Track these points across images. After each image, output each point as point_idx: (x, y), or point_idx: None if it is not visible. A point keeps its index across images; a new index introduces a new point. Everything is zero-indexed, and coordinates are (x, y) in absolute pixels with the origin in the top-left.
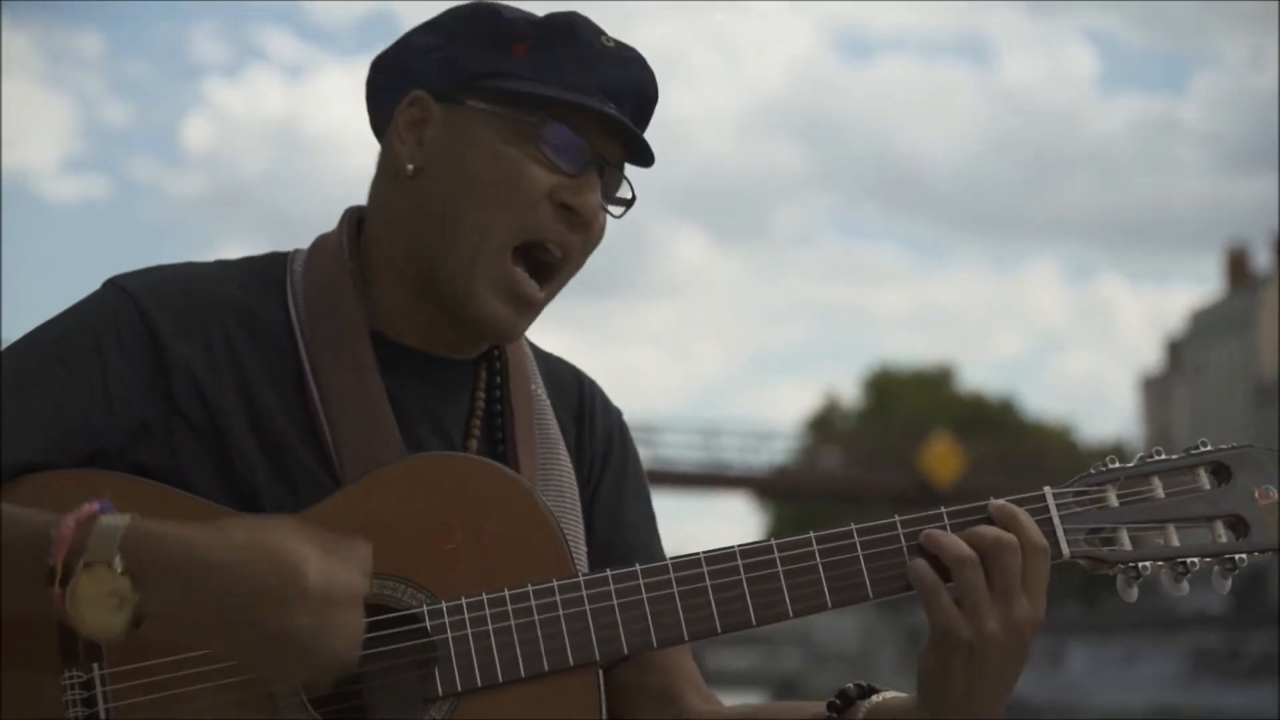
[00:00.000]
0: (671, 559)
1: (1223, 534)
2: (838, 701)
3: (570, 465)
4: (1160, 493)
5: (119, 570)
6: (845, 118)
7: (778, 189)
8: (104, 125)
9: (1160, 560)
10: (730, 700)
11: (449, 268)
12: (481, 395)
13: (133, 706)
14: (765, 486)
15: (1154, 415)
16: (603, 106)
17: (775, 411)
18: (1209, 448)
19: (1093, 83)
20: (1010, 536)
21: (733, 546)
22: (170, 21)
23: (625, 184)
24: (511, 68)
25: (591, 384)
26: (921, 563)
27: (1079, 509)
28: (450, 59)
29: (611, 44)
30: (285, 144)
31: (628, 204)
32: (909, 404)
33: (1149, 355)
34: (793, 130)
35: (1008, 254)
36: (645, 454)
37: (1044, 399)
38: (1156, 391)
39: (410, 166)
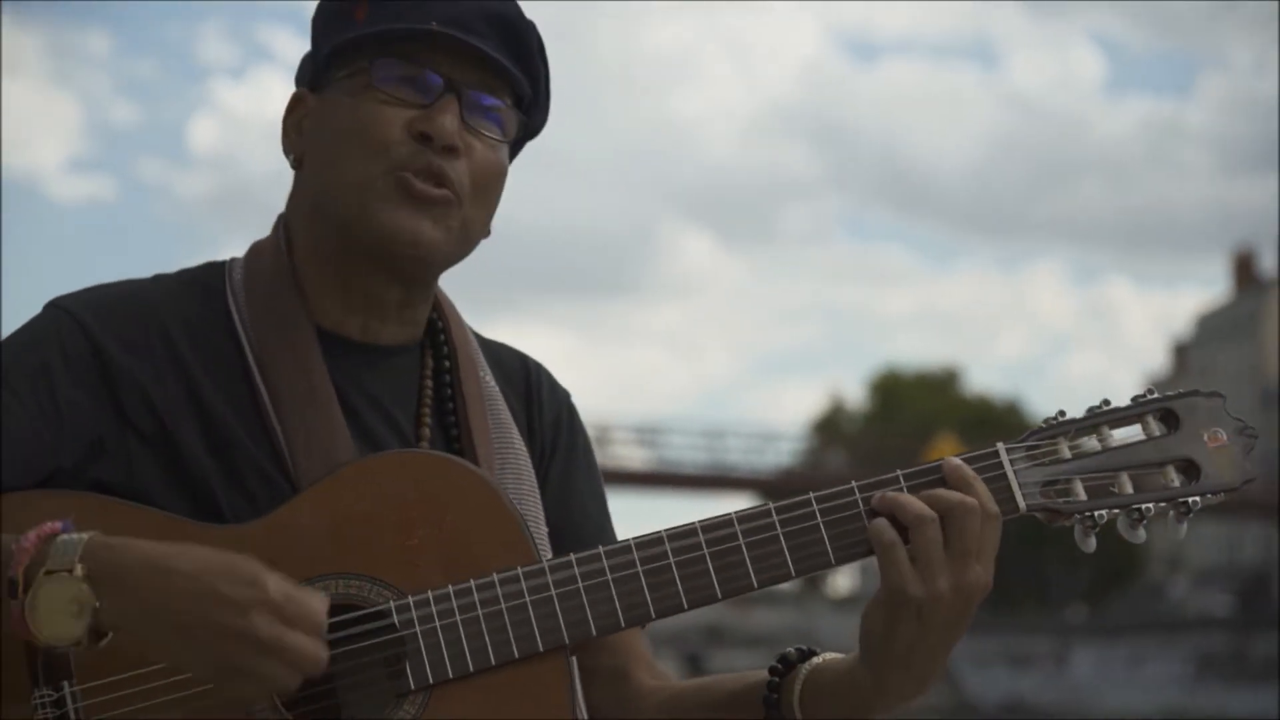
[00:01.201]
0: (634, 539)
1: (1175, 478)
2: (779, 666)
3: (525, 448)
4: (1112, 442)
5: (79, 576)
6: (853, 120)
7: (785, 190)
8: (111, 125)
9: (1116, 508)
10: None
11: (346, 219)
12: (430, 383)
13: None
14: (770, 488)
15: None
16: (423, 25)
17: (781, 413)
18: (1155, 395)
19: (1099, 85)
20: (972, 499)
21: (694, 523)
22: (177, 22)
23: (515, 113)
24: (357, 33)
25: (538, 366)
26: (881, 520)
27: (1032, 463)
28: (314, 51)
29: None
30: None
31: (525, 131)
32: (915, 406)
33: (1155, 358)
34: (800, 132)
35: (1014, 256)
36: (650, 455)
37: (1050, 401)
38: None
39: (292, 156)
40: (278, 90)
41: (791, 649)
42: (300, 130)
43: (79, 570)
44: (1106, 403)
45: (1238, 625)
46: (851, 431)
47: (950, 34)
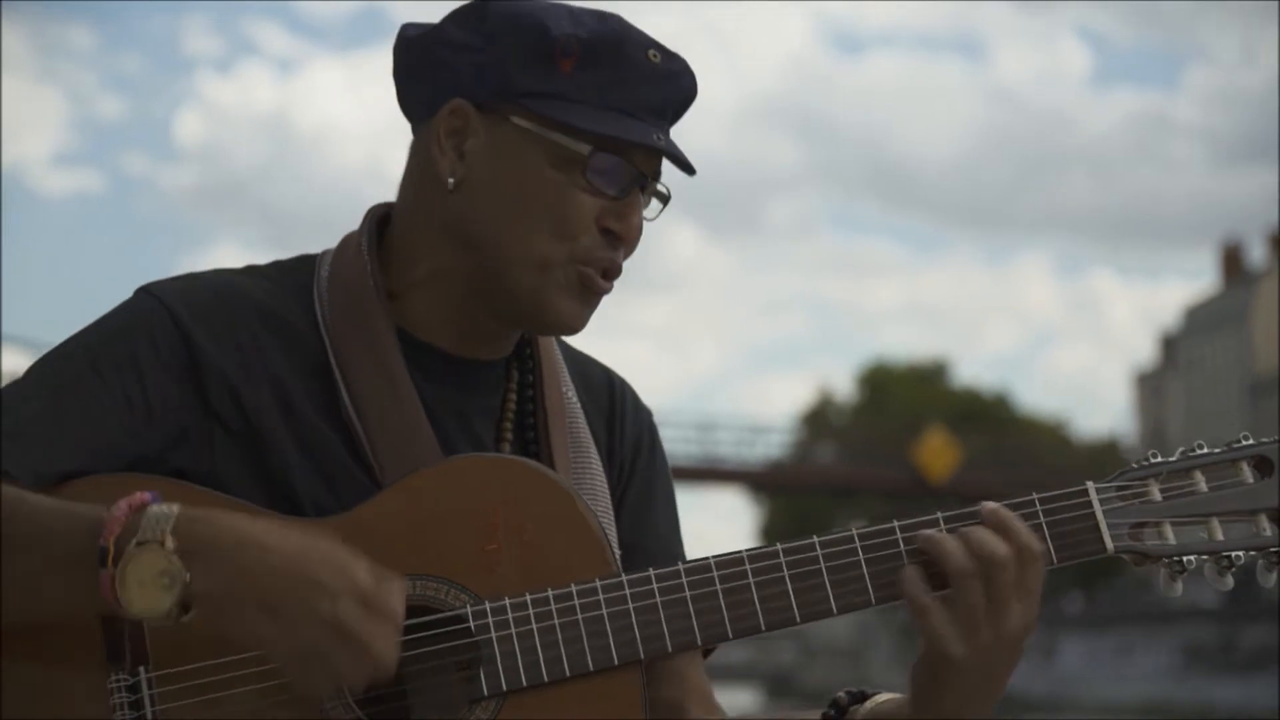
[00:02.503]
0: (714, 557)
1: (1266, 527)
2: (831, 712)
3: (602, 468)
4: (1203, 486)
5: (170, 549)
6: (839, 113)
7: (772, 183)
8: (97, 119)
9: (1205, 554)
10: (728, 699)
11: (519, 287)
12: (513, 397)
13: (180, 709)
14: (760, 481)
15: (1148, 410)
16: (653, 141)
17: (769, 406)
18: (1250, 441)
19: (1085, 79)
20: (1003, 550)
21: (776, 545)
22: (162, 16)
23: (661, 186)
24: (558, 87)
25: (623, 384)
26: (913, 577)
27: (1122, 503)
28: (492, 67)
29: (658, 58)
30: (277, 138)
31: (665, 200)
32: (903, 398)
33: (1142, 350)
34: (787, 125)
35: (1000, 248)
36: None
37: (1037, 394)
38: (1150, 386)
39: (451, 180)
40: (263, 84)
41: (843, 692)
42: (461, 153)
43: (170, 543)
44: (1200, 445)
45: (1225, 617)
46: (840, 424)
47: (936, 27)
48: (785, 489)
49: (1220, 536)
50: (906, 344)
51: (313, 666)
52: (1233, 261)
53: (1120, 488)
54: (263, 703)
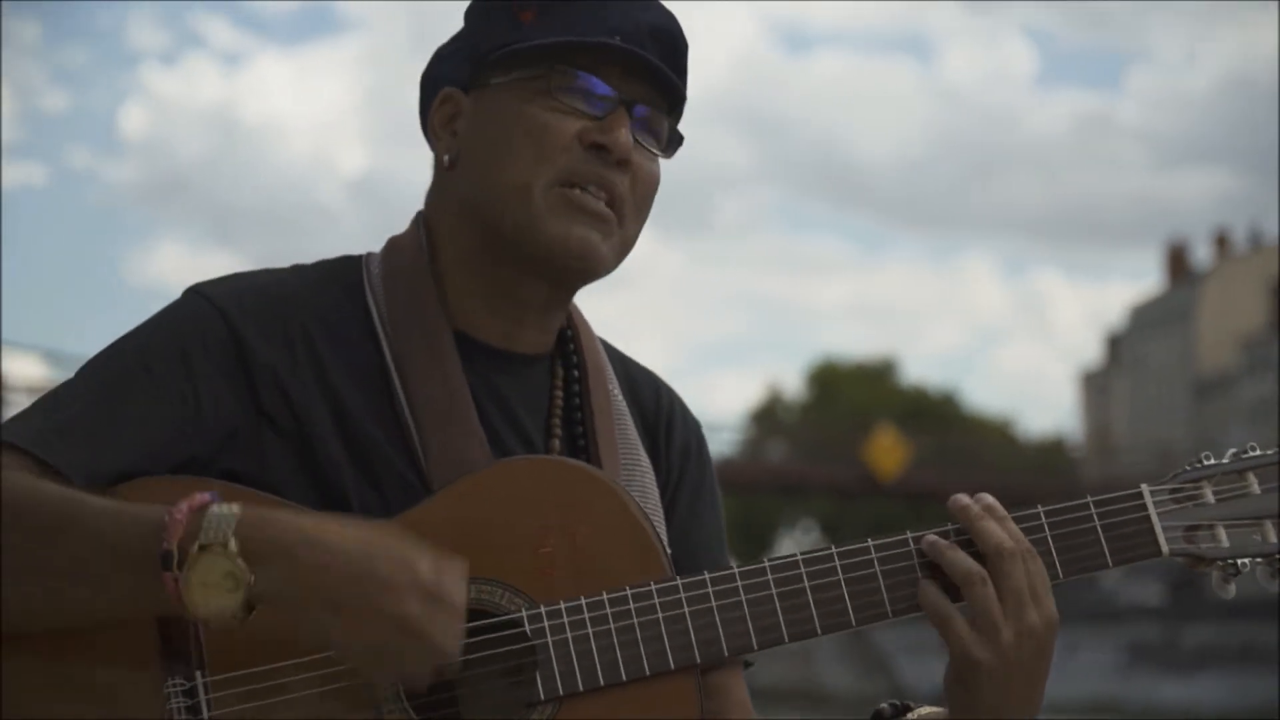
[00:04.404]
0: (769, 560)
1: None
2: None
3: (650, 467)
4: (1256, 489)
5: (234, 550)
6: (787, 111)
7: (720, 182)
8: (41, 113)
9: (1259, 557)
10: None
11: (509, 223)
12: (560, 394)
13: (236, 713)
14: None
15: (1093, 409)
16: (609, 39)
17: (718, 404)
18: None
19: (1031, 79)
20: (1011, 541)
21: (830, 549)
22: (108, 9)
23: (667, 125)
24: (522, 34)
25: (670, 393)
26: (932, 589)
27: (1175, 506)
28: (470, 49)
29: None
30: (223, 132)
31: (673, 144)
32: (852, 397)
33: (1087, 349)
34: (735, 124)
35: (947, 248)
36: None
37: (984, 393)
38: (1096, 386)
39: (447, 158)
40: (209, 77)
41: (885, 705)
42: (452, 131)
43: (233, 544)
44: (1253, 447)
45: (1169, 615)
46: (790, 422)
47: (883, 27)
48: (736, 487)
49: (1274, 539)
50: (854, 342)
51: (380, 662)
52: (1178, 261)
53: (1174, 490)
54: (318, 706)
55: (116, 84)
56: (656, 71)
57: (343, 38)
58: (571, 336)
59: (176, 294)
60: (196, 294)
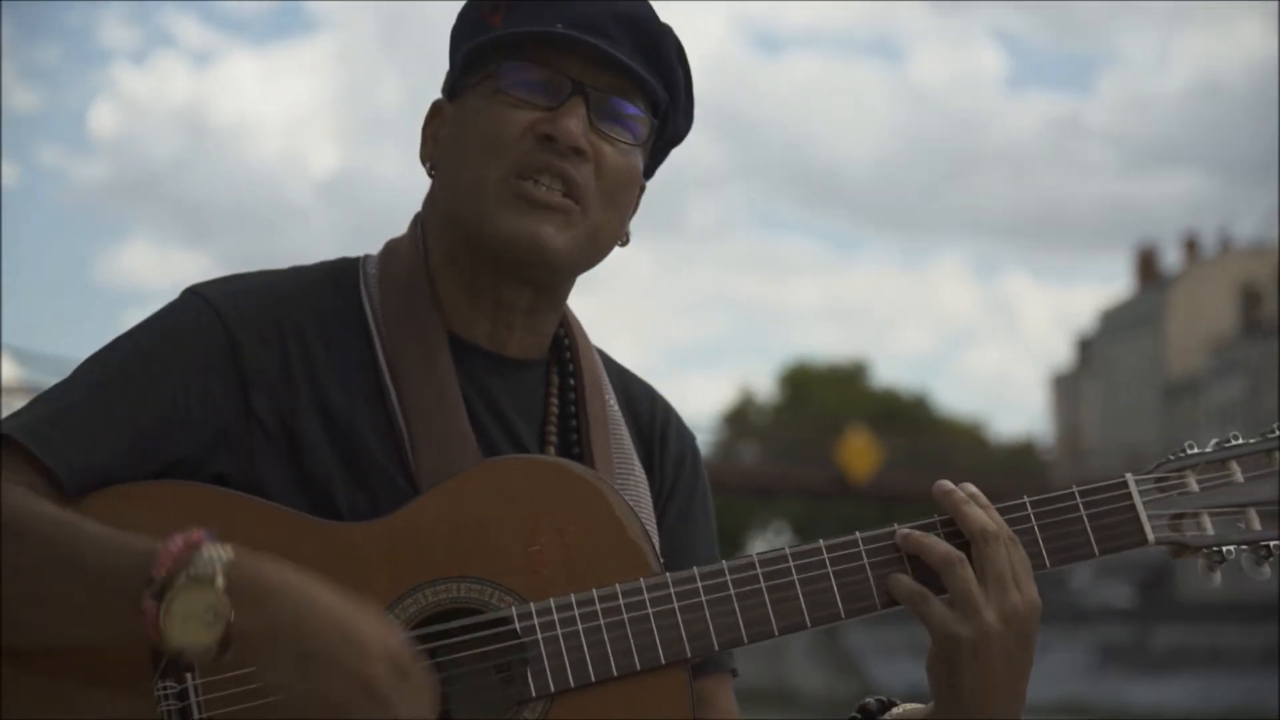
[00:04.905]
0: (758, 554)
1: None
2: (858, 717)
3: (645, 478)
4: (1239, 477)
5: (221, 587)
6: (758, 113)
7: (692, 183)
8: (10, 111)
9: (1243, 544)
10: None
11: (466, 221)
12: (555, 400)
13: (228, 715)
14: None
15: (1063, 412)
16: (550, 28)
17: (690, 405)
18: None
19: (1001, 82)
20: (994, 526)
21: (819, 542)
22: (78, 7)
23: (639, 111)
24: (491, 38)
25: (666, 405)
26: (901, 577)
27: (1160, 495)
28: (451, 61)
29: None
30: (193, 131)
31: (645, 132)
32: (824, 398)
33: (1057, 352)
34: (707, 125)
35: (917, 249)
36: None
37: (954, 395)
38: (1066, 388)
39: (428, 164)
40: (179, 76)
41: (871, 699)
42: (436, 139)
43: (220, 581)
44: (1236, 436)
45: (1138, 616)
46: (762, 424)
47: (854, 29)
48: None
49: (1258, 526)
50: (825, 344)
51: (333, 715)
52: (1147, 265)
53: (1158, 479)
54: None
55: (87, 82)
56: (611, 58)
57: (313, 37)
58: (568, 345)
59: (146, 293)
60: (195, 294)
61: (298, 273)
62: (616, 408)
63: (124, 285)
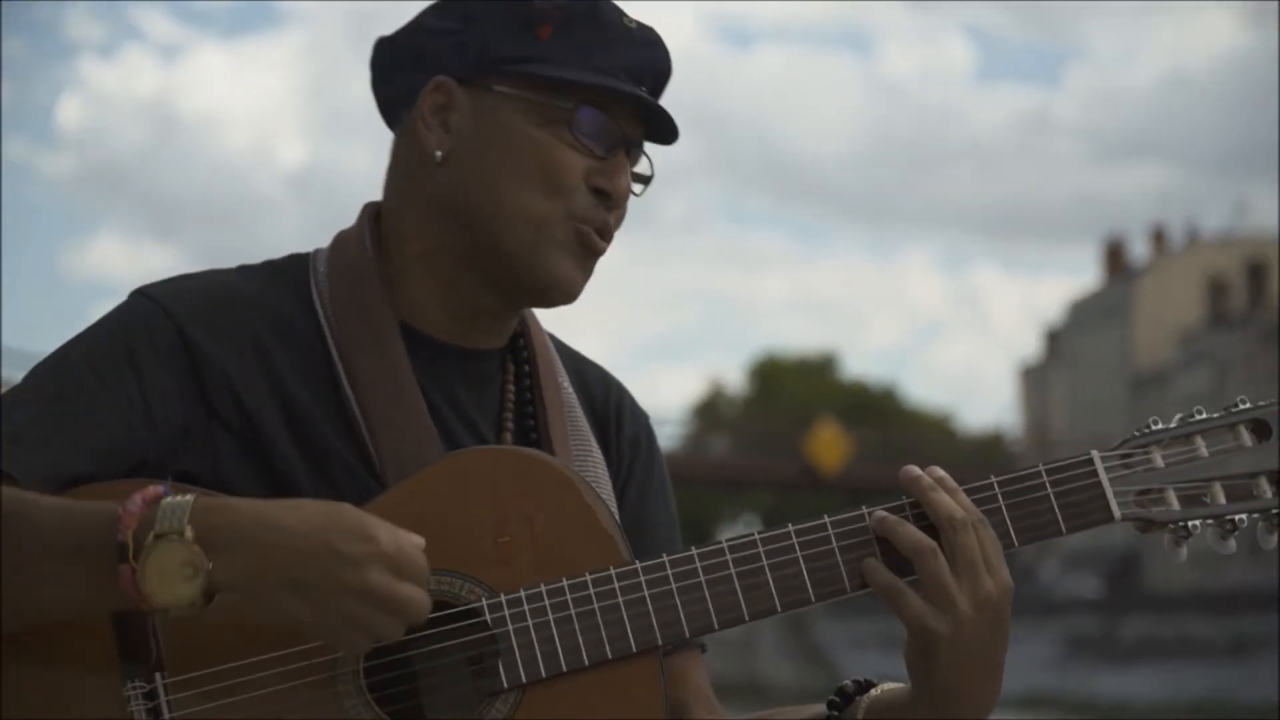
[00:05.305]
0: (727, 540)
1: (1267, 489)
2: (837, 699)
3: (602, 459)
4: (1204, 452)
5: (190, 538)
6: (728, 107)
7: (661, 177)
8: None
9: (1209, 518)
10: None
11: (509, 248)
12: (511, 387)
13: (198, 713)
14: None
15: (1032, 403)
16: (634, 90)
17: (660, 398)
18: (1247, 405)
19: (971, 75)
20: (962, 512)
21: (788, 526)
22: (45, 0)
23: (645, 159)
24: (538, 51)
25: (619, 386)
26: (879, 566)
27: (1126, 471)
28: (473, 43)
29: (633, 25)
30: (161, 124)
31: (648, 180)
32: (793, 391)
33: (1026, 344)
34: (677, 118)
35: (887, 242)
36: None
37: (924, 387)
38: (1035, 380)
39: (439, 153)
40: (146, 69)
41: (849, 681)
42: (447, 127)
43: (189, 532)
44: (1199, 411)
45: (1106, 608)
46: (732, 416)
47: (824, 22)
48: (677, 481)
49: (1223, 501)
50: (795, 336)
51: (352, 634)
52: (1115, 257)
53: (1124, 456)
54: (279, 702)
55: (54, 76)
56: (663, 121)
57: (281, 30)
58: (521, 331)
59: (114, 287)
60: (143, 296)
61: (246, 272)
62: (571, 391)
63: (92, 279)
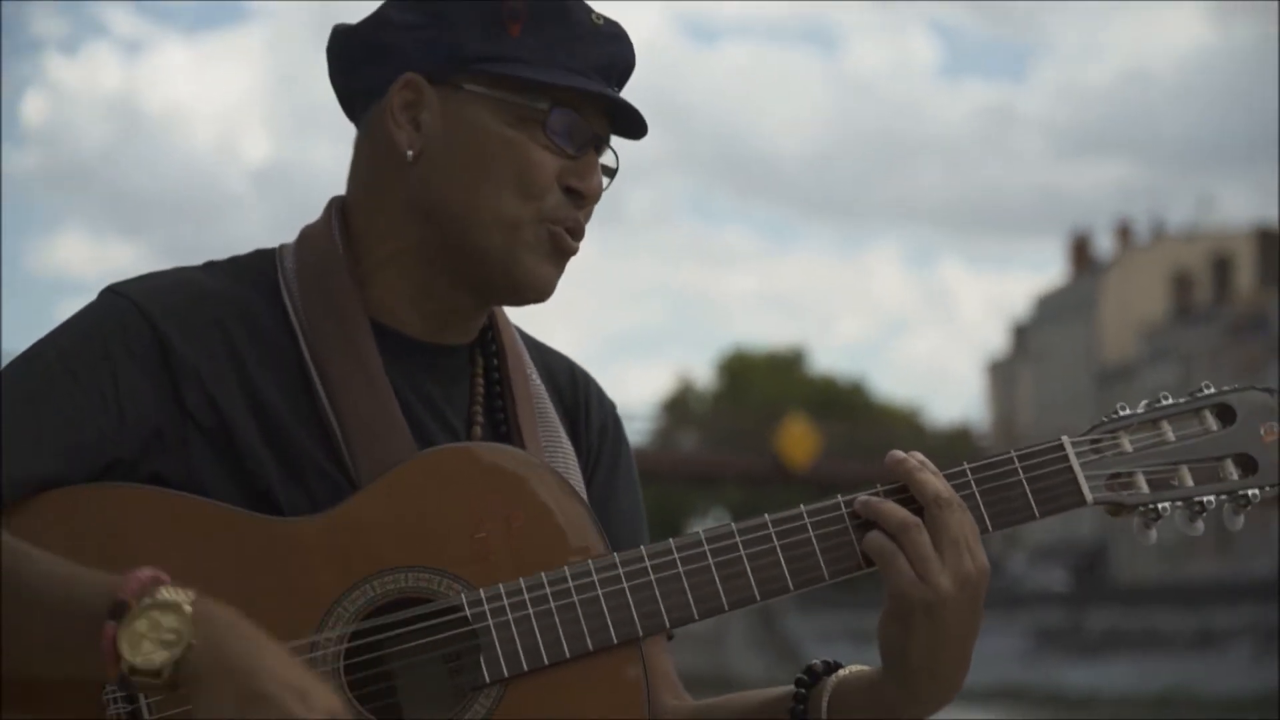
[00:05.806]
0: (705, 531)
1: (1233, 472)
2: (805, 678)
3: (572, 450)
4: (1171, 436)
5: (189, 613)
6: (694, 102)
7: (629, 172)
8: None
9: (1178, 500)
10: None
11: (482, 249)
12: (481, 381)
13: (176, 715)
14: None
15: (999, 398)
16: (606, 90)
17: (629, 394)
18: (1212, 390)
19: (936, 71)
20: (948, 492)
21: (764, 516)
22: None
23: (610, 152)
24: (508, 49)
25: (585, 375)
26: (876, 533)
27: (1096, 456)
28: (441, 40)
29: (600, 21)
30: (124, 121)
31: (614, 173)
32: (762, 386)
33: (992, 339)
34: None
35: (853, 238)
36: None
37: (891, 382)
38: (1001, 374)
39: (410, 152)
40: (110, 65)
41: (818, 661)
42: (416, 124)
43: (189, 609)
44: (1165, 396)
45: (1074, 600)
46: (701, 411)
47: (789, 18)
48: (647, 476)
49: (1190, 483)
50: (763, 332)
51: None
52: (1081, 252)
53: (1094, 441)
54: None
55: (17, 72)
56: (634, 119)
57: (246, 26)
58: (489, 326)
59: (79, 284)
60: (115, 294)
61: (214, 268)
62: (540, 383)
63: (58, 276)
